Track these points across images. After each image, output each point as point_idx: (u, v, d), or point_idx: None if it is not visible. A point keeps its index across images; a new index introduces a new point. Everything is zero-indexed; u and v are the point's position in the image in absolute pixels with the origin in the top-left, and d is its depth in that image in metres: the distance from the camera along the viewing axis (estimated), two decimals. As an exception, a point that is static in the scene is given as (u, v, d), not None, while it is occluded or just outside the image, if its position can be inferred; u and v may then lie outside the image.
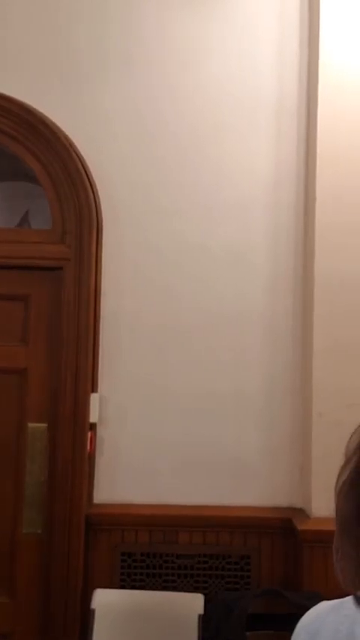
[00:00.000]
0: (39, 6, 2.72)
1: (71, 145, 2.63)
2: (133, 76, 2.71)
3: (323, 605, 0.82)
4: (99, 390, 2.62)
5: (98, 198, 2.66)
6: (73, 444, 2.54)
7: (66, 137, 2.63)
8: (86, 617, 2.39)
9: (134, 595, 2.44)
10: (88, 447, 2.56)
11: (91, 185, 2.63)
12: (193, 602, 2.36)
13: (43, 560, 2.55)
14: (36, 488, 2.57)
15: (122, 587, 2.52)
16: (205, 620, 2.31)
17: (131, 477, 2.62)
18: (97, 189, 2.66)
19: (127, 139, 2.70)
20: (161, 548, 2.54)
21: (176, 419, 2.64)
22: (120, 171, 2.69)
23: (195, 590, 2.49)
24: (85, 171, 2.63)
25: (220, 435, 2.63)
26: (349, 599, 0.75)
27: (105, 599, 2.39)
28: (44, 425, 2.58)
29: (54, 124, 2.62)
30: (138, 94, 2.71)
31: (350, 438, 0.73)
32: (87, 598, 2.44)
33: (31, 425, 2.58)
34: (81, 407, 2.55)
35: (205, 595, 2.42)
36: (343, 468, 0.72)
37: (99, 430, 2.63)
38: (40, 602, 2.54)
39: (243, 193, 2.69)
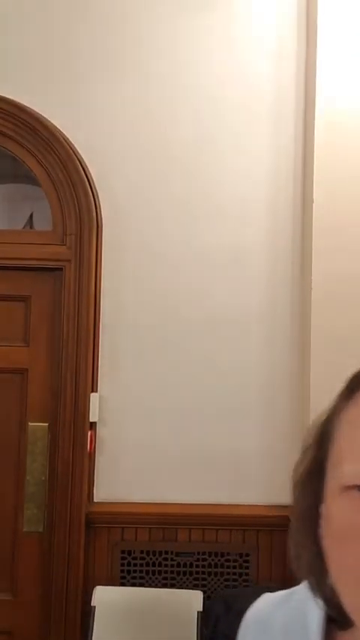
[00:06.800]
0: (38, 7, 2.73)
1: (71, 146, 2.65)
2: (133, 77, 2.73)
3: (270, 598, 0.78)
4: (99, 389, 2.64)
5: (98, 199, 2.67)
6: (73, 443, 2.56)
7: (65, 139, 2.65)
8: (86, 614, 2.42)
9: (134, 592, 2.46)
10: (89, 446, 2.58)
11: (91, 186, 2.65)
12: (193, 599, 2.38)
13: (43, 558, 2.57)
14: (37, 487, 2.59)
15: (122, 584, 2.54)
16: (204, 617, 2.34)
17: (131, 475, 2.64)
18: (97, 191, 2.67)
19: (127, 140, 2.71)
20: (160, 545, 2.57)
21: (176, 418, 2.65)
22: (120, 172, 2.71)
23: (194, 587, 2.51)
24: (85, 173, 2.65)
25: (220, 433, 2.65)
26: (299, 588, 0.72)
27: (105, 597, 2.41)
28: (45, 424, 2.60)
29: (54, 125, 2.64)
30: (138, 95, 2.73)
31: (311, 426, 0.67)
32: (87, 595, 2.47)
33: (31, 424, 2.61)
34: (81, 406, 2.57)
35: (205, 592, 2.44)
36: (302, 457, 0.66)
37: (99, 429, 2.65)
38: (41, 599, 2.56)
39: (242, 194, 2.71)
